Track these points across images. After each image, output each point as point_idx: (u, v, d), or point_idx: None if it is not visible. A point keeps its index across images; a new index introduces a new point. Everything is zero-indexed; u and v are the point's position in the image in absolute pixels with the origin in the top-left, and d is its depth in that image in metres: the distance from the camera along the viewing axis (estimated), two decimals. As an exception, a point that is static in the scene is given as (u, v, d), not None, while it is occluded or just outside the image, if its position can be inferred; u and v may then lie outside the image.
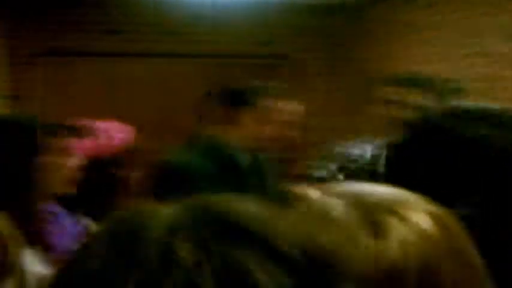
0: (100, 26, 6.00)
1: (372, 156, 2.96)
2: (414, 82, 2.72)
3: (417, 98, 2.68)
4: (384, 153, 2.89)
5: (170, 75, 6.12)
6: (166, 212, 0.56)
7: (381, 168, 2.89)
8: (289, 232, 0.56)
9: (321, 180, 3.04)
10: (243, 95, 2.48)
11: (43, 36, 5.82)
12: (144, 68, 6.25)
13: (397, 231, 0.77)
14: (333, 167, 3.06)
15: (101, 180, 2.02)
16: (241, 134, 2.48)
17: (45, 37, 5.83)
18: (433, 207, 0.82)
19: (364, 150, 3.02)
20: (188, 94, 5.72)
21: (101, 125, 2.25)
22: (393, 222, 0.77)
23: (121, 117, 5.80)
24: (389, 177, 1.24)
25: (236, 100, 2.48)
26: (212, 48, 6.31)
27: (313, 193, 0.85)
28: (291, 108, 2.54)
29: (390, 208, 0.79)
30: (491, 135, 1.12)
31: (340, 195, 0.83)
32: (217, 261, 0.50)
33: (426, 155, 1.16)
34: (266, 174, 2.64)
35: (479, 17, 4.86)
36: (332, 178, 3.02)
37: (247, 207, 0.57)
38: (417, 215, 0.79)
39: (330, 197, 0.84)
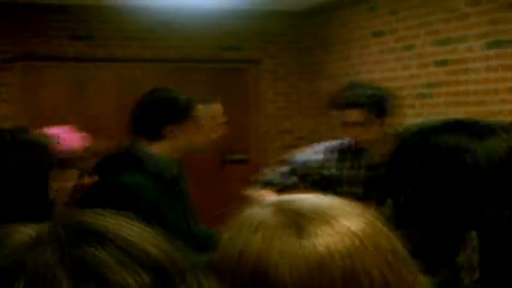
0: (68, 32, 5.98)
1: (323, 159, 3.04)
2: (348, 101, 2.86)
3: (355, 116, 2.84)
4: (335, 155, 3.02)
5: (138, 80, 6.14)
6: (25, 228, 0.57)
7: (332, 170, 3.00)
8: (148, 240, 0.58)
9: (270, 184, 3.10)
10: (174, 109, 2.52)
11: (11, 42, 5.79)
12: (112, 73, 6.25)
13: (322, 231, 0.81)
14: (284, 170, 3.12)
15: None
16: (171, 147, 2.54)
17: (14, 43, 5.80)
18: (359, 209, 0.88)
19: (316, 153, 3.09)
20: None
21: (54, 131, 2.28)
22: (318, 224, 0.82)
23: (90, 121, 5.84)
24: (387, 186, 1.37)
25: (167, 115, 2.53)
26: (180, 53, 6.35)
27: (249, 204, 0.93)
28: (217, 109, 2.63)
29: (316, 212, 0.84)
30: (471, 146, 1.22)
31: (269, 205, 0.89)
32: (73, 262, 0.51)
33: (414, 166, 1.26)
34: (186, 182, 2.71)
35: (440, 23, 5.00)
36: (281, 181, 3.08)
37: (108, 219, 0.59)
38: (342, 217, 0.84)
39: (260, 207, 0.89)
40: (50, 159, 1.92)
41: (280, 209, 0.85)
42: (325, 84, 6.28)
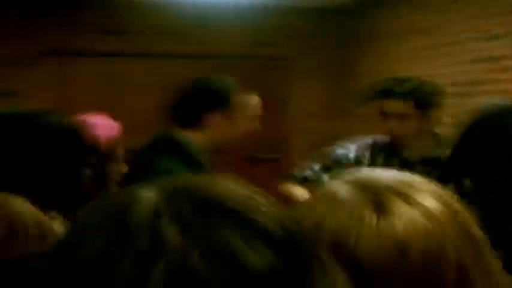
0: (100, 27, 5.98)
1: (356, 156, 2.99)
2: (391, 92, 2.79)
3: (397, 107, 2.77)
4: (368, 152, 2.94)
5: (169, 76, 6.09)
6: (148, 195, 0.57)
7: (364, 167, 2.89)
8: (269, 210, 0.56)
9: (305, 180, 3.07)
10: (214, 97, 2.51)
11: (44, 36, 5.79)
12: (144, 68, 6.23)
13: (402, 210, 0.80)
14: (317, 167, 3.07)
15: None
16: (208, 136, 2.52)
17: (46, 37, 5.80)
18: (436, 188, 0.85)
19: (349, 150, 3.03)
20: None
21: (89, 119, 2.23)
22: (397, 202, 0.80)
23: (120, 117, 5.79)
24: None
25: (207, 103, 2.52)
26: (213, 49, 6.29)
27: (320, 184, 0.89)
28: (255, 101, 2.61)
29: (395, 190, 0.82)
30: None
31: (346, 181, 0.87)
32: (205, 242, 0.51)
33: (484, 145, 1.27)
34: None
35: (475, 19, 4.80)
36: (316, 178, 3.03)
37: (228, 186, 0.59)
38: (421, 196, 0.82)
39: (337, 182, 0.87)
40: (88, 144, 1.93)
41: (358, 185, 0.84)
42: (360, 82, 6.15)
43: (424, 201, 0.81)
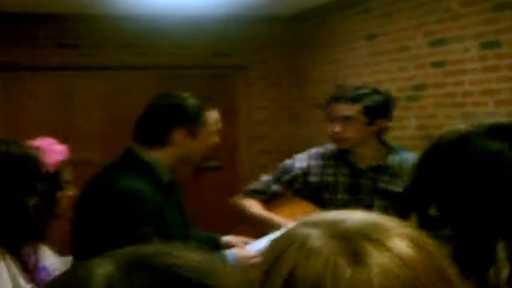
0: (54, 40, 5.91)
1: (305, 166, 3.01)
2: (340, 96, 2.85)
3: (343, 110, 2.81)
4: (318, 162, 2.97)
5: (127, 88, 6.07)
6: (103, 268, 0.54)
7: (316, 177, 2.97)
8: (226, 274, 0.56)
9: (254, 192, 3.08)
10: (178, 114, 2.49)
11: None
12: (100, 82, 6.16)
13: (377, 258, 0.77)
14: (268, 178, 3.09)
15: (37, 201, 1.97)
16: (173, 153, 2.50)
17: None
18: (409, 230, 0.83)
19: (298, 160, 3.05)
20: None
21: (37, 143, 2.20)
22: (372, 250, 0.78)
23: (77, 133, 5.75)
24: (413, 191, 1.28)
25: (171, 120, 2.50)
26: (170, 60, 6.28)
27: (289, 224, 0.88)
28: (217, 116, 2.60)
29: (367, 235, 0.80)
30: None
31: (316, 225, 0.84)
32: None
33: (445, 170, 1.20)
34: (180, 191, 2.70)
35: (421, 26, 4.92)
36: (267, 189, 3.05)
37: (184, 254, 0.57)
38: (395, 240, 0.80)
39: (306, 227, 0.84)
40: (39, 172, 1.90)
41: (329, 231, 0.82)
42: (314, 88, 6.21)
43: (397, 247, 0.79)
